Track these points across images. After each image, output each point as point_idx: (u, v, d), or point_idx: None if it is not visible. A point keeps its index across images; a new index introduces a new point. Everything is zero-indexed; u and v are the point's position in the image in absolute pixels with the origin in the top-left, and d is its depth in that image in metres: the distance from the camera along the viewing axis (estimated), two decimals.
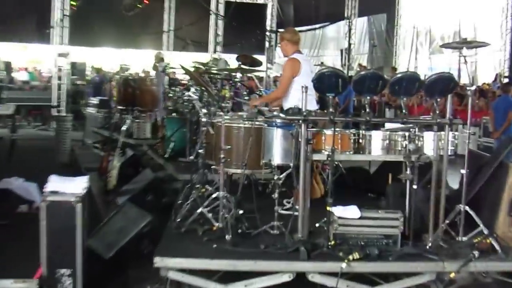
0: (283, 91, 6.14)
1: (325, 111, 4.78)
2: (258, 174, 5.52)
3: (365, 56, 25.32)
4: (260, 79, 17.76)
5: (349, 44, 21.16)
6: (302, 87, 4.53)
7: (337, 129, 4.57)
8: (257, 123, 5.12)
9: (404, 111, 4.65)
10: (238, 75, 6.41)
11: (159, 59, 11.85)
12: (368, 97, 4.64)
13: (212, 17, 22.21)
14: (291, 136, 4.80)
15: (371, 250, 4.35)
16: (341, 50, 21.76)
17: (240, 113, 5.79)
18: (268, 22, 20.99)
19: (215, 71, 7.49)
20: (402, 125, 4.77)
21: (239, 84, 6.99)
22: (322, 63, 20.77)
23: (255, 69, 7.22)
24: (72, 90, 18.46)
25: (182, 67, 6.84)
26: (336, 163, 5.00)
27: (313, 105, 5.85)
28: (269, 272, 4.31)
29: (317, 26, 24.91)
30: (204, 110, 6.07)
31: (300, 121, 4.50)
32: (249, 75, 11.37)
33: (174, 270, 4.29)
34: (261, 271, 4.31)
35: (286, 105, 6.07)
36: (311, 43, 27.56)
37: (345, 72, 19.03)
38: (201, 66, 8.02)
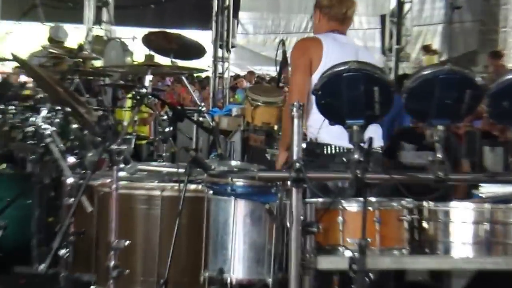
0: (296, 95, 6.21)
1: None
2: None
3: (436, 30, 25.75)
4: (201, 83, 17.90)
5: (400, 4, 21.50)
6: None
7: (372, 199, 4.62)
8: (192, 186, 5.17)
9: None
10: (148, 77, 6.47)
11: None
12: (441, 126, 4.71)
13: None
14: (268, 217, 4.85)
15: None
16: (382, 17, 22.12)
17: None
18: None
19: (97, 68, 7.53)
20: None
21: (151, 98, 7.04)
22: None
23: (188, 66, 7.32)
24: None
25: (17, 59, 6.87)
26: (370, 274, 5.03)
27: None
28: None
29: None
30: (72, 159, 6.08)
31: (289, 183, 4.52)
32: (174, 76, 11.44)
33: None
34: None
35: (309, 134, 6.28)
36: None
37: (388, 70, 19.33)
38: (65, 56, 8.08)
